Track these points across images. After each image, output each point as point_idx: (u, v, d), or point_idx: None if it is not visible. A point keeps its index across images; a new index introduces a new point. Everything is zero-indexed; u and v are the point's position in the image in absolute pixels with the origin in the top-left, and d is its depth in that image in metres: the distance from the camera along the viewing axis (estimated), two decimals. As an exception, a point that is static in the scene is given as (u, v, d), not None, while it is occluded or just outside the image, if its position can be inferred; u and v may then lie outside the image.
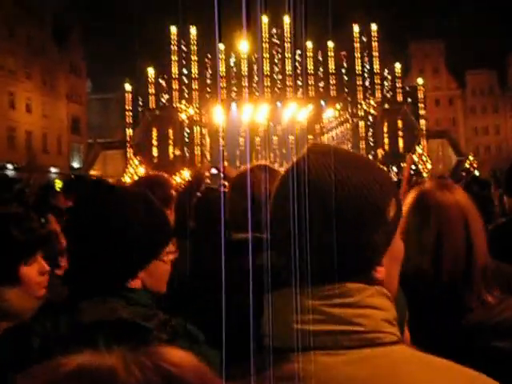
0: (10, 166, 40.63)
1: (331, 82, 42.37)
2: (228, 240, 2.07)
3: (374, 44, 43.01)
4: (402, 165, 41.08)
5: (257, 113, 40.21)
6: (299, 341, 0.91)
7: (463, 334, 1.71)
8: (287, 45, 41.29)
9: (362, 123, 42.69)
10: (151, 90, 41.10)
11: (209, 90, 40.75)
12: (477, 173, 34.10)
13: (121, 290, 1.52)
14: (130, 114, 41.09)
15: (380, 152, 42.09)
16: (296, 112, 40.73)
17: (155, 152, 41.36)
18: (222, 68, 40.23)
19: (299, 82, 42.01)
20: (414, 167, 40.64)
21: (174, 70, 40.76)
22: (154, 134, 41.40)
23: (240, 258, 1.80)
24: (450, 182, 2.10)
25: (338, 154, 0.97)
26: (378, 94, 42.93)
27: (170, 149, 41.17)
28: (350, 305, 0.92)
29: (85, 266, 1.53)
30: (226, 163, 36.54)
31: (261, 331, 1.01)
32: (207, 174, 13.10)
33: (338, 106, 42.92)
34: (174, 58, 40.85)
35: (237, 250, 1.87)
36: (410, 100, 44.16)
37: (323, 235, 0.91)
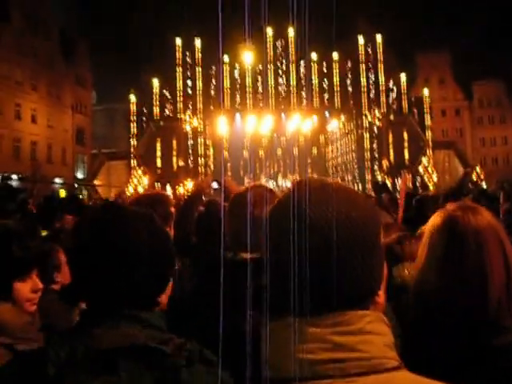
0: (14, 177, 40.95)
1: (336, 93, 42.54)
2: (234, 259, 2.08)
3: (380, 55, 43.17)
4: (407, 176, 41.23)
5: (261, 124, 40.43)
6: (304, 370, 0.92)
7: (494, 355, 1.60)
8: (292, 56, 41.51)
9: (366, 134, 42.76)
10: (156, 101, 41.44)
11: (213, 101, 41.04)
12: (484, 184, 34.07)
13: (135, 311, 1.50)
14: (135, 124, 41.40)
15: (385, 163, 42.11)
16: (300, 123, 40.85)
17: (159, 163, 41.62)
18: (226, 79, 40.49)
19: (303, 94, 42.20)
20: (419, 179, 40.77)
21: (179, 81, 41.11)
22: (158, 144, 41.67)
23: (244, 277, 1.80)
24: (472, 203, 1.94)
25: (330, 187, 1.02)
26: (384, 105, 42.99)
27: (174, 160, 41.42)
28: (353, 332, 0.93)
29: (99, 289, 1.51)
30: (229, 174, 36.78)
31: (260, 360, 1.01)
32: (209, 187, 13.10)
33: (342, 118, 43.04)
34: (179, 69, 41.21)
35: (242, 269, 1.85)
36: (415, 111, 44.10)
37: (324, 266, 0.94)
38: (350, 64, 43.02)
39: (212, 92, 41.44)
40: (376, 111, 42.63)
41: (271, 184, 38.27)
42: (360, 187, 36.07)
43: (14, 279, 2.01)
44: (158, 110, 41.39)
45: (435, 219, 1.78)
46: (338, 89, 42.48)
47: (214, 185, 16.94)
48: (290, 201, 0.98)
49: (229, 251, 2.17)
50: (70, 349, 1.44)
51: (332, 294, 0.93)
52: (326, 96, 42.57)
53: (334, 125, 43.20)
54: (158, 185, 38.70)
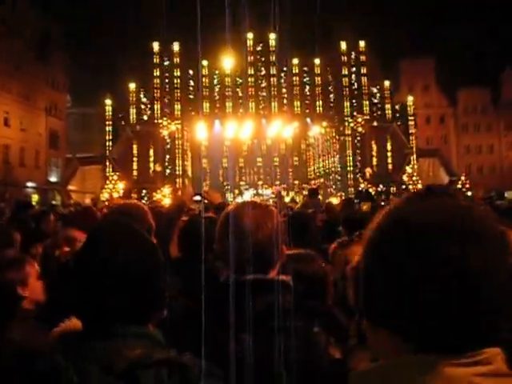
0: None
1: (318, 98, 42.77)
2: (233, 281, 2.08)
3: (362, 60, 43.44)
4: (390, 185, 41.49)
5: (241, 130, 40.55)
6: None
7: None
8: (272, 61, 41.66)
9: (349, 141, 42.97)
10: (132, 105, 41.40)
11: (191, 106, 41.07)
12: (469, 194, 34.29)
13: (142, 328, 1.54)
14: (110, 128, 41.29)
15: (368, 171, 42.29)
16: (281, 129, 41.02)
17: (135, 168, 41.54)
18: (204, 84, 40.56)
19: (284, 100, 42.36)
20: (404, 187, 41.03)
21: (156, 85, 41.11)
22: (135, 149, 41.61)
23: (243, 299, 1.84)
24: None
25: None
26: (367, 112, 43.27)
27: (151, 165, 41.36)
28: (496, 374, 0.88)
29: (98, 306, 1.53)
30: (207, 188, 36.78)
31: None
32: (190, 200, 13.07)
33: (324, 124, 43.24)
34: (156, 73, 41.21)
35: (240, 291, 1.89)
36: (399, 118, 44.35)
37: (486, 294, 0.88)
38: (332, 70, 43.17)
39: (191, 96, 41.46)
40: (359, 118, 42.83)
41: (251, 192, 38.41)
42: (343, 195, 36.16)
43: None
44: (135, 115, 41.28)
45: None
46: (320, 94, 42.65)
47: (197, 197, 16.63)
48: None
49: (222, 270, 2.17)
50: (81, 370, 1.45)
51: (479, 328, 0.87)
52: (308, 102, 42.71)
53: (316, 131, 43.34)
54: (133, 191, 38.71)
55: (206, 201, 9.78)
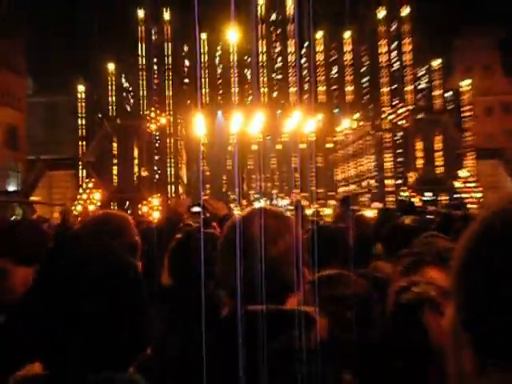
0: None
1: (348, 84, 42.80)
2: (239, 314, 2.07)
3: (406, 34, 43.40)
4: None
5: (250, 124, 40.58)
6: None
7: None
8: (291, 35, 41.70)
9: (387, 138, 42.93)
10: (112, 93, 41.59)
11: (186, 93, 41.18)
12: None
13: (127, 375, 1.61)
14: (84, 123, 41.49)
15: (412, 176, 42.30)
16: (301, 123, 41.00)
17: (115, 173, 41.68)
18: (203, 66, 40.68)
19: (305, 85, 42.38)
20: (457, 196, 40.92)
21: (142, 66, 41.23)
22: (115, 149, 41.77)
23: (253, 337, 1.85)
24: None
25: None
26: (410, 101, 43.22)
27: (135, 169, 41.50)
28: None
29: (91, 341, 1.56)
30: (207, 196, 36.75)
31: None
32: (186, 212, 13.14)
33: (356, 116, 43.25)
34: (142, 50, 41.35)
35: (249, 327, 1.89)
36: (452, 108, 44.36)
37: None
38: (366, 46, 43.18)
39: (186, 80, 41.60)
40: (400, 108, 42.78)
41: (263, 203, 38.40)
42: (379, 206, 36.14)
43: None
44: (115, 105, 41.48)
45: None
46: (352, 78, 42.69)
47: (196, 209, 16.61)
48: None
49: (224, 300, 2.19)
50: None
51: None
52: (335, 87, 42.75)
53: (346, 125, 43.36)
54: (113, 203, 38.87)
55: (207, 213, 9.80)
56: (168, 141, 41.60)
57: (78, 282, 1.59)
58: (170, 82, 41.28)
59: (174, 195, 39.78)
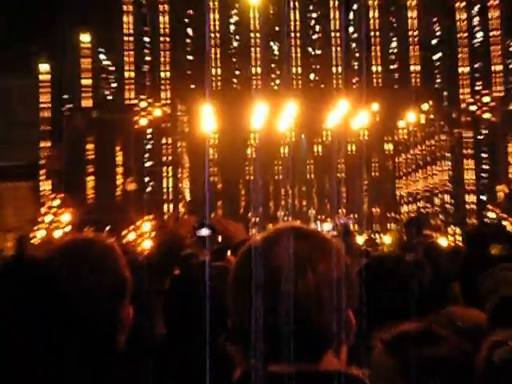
0: None
1: (412, 63, 43.02)
2: (258, 376, 2.08)
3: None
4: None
5: (276, 117, 40.75)
6: None
7: None
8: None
9: (468, 137, 43.06)
10: (86, 75, 41.89)
11: (189, 76, 41.50)
12: None
13: None
14: (49, 115, 41.83)
15: (502, 189, 42.32)
16: (349, 117, 41.18)
17: (91, 185, 41.93)
18: (213, 36, 40.96)
19: (355, 64, 42.63)
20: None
21: (128, 39, 41.56)
22: (91, 152, 42.01)
23: None
24: None
25: None
26: (499, 88, 43.32)
27: (119, 180, 41.72)
28: None
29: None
30: (218, 212, 36.82)
31: None
32: (191, 236, 13.33)
33: (425, 107, 43.42)
34: (128, 18, 41.65)
35: None
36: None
37: None
38: (439, 12, 43.42)
39: (189, 57, 41.94)
40: (485, 97, 42.92)
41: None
42: (456, 231, 36.20)
43: None
44: (91, 91, 41.82)
45: None
46: (417, 54, 42.88)
47: (203, 231, 16.88)
48: None
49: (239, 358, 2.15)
50: None
51: None
52: (395, 67, 43.00)
53: (410, 119, 43.51)
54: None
55: (219, 238, 9.92)
56: (164, 141, 41.84)
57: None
58: (168, 59, 41.53)
59: (173, 216, 39.95)
